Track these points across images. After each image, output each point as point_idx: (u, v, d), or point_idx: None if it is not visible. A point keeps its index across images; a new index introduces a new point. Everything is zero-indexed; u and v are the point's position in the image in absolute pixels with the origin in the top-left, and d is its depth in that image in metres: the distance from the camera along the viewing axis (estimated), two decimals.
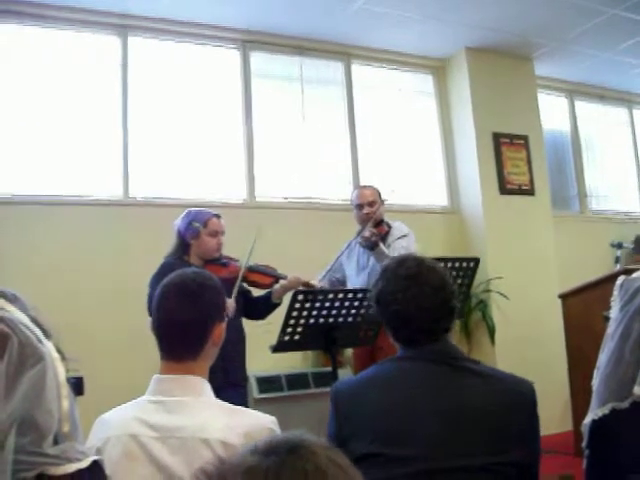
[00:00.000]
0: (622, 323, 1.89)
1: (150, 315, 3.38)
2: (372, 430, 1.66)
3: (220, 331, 1.76)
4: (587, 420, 1.91)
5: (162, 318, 1.73)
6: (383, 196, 4.44)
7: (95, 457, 1.29)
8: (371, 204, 4.33)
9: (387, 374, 1.80)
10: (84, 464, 1.23)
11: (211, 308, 1.75)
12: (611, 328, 1.95)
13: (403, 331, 1.81)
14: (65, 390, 1.26)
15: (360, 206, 4.36)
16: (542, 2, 5.53)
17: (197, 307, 1.71)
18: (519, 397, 1.73)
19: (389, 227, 4.36)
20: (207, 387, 1.69)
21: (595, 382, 1.96)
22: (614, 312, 1.96)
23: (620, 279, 2.00)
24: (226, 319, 1.80)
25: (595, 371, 2.01)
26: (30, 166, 4.96)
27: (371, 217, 4.25)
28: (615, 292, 1.99)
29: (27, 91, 5.04)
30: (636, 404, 1.80)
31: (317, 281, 4.12)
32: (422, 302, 1.77)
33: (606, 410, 1.82)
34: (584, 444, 1.95)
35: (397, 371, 1.79)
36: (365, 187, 4.53)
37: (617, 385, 1.83)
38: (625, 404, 1.80)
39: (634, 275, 2.00)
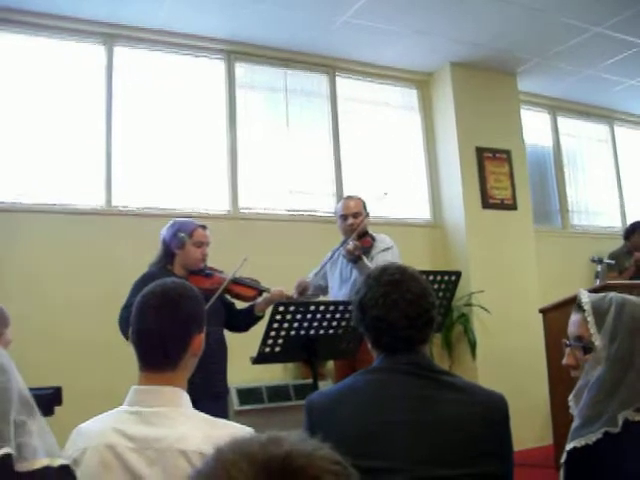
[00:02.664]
0: (616, 345, 1.86)
1: (122, 322, 3.39)
2: (346, 442, 1.64)
3: (199, 342, 1.75)
4: (573, 445, 1.86)
5: (141, 328, 1.71)
6: (373, 202, 4.43)
7: (64, 461, 1.28)
8: (355, 215, 4.31)
9: (363, 386, 1.79)
10: (54, 462, 1.23)
11: (190, 318, 1.74)
12: (600, 352, 1.89)
13: (383, 337, 1.82)
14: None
15: (344, 217, 4.34)
16: (527, 19, 5.59)
17: (176, 317, 1.70)
18: (491, 409, 1.74)
19: (373, 239, 4.33)
20: (185, 398, 1.68)
21: (577, 407, 1.92)
22: (600, 337, 1.90)
23: (586, 304, 1.95)
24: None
25: (572, 397, 1.97)
26: (11, 173, 4.93)
27: (355, 228, 4.23)
28: (589, 318, 1.94)
29: (9, 98, 5.02)
30: (628, 425, 1.78)
31: (310, 278, 4.14)
32: (403, 308, 1.79)
33: (599, 435, 1.80)
34: (564, 473, 1.90)
35: (373, 383, 1.79)
36: (350, 198, 4.48)
37: (613, 409, 1.81)
38: (618, 428, 1.78)
39: (591, 296, 1.97)
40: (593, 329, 1.90)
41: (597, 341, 1.89)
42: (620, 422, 1.78)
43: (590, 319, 1.91)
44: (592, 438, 1.79)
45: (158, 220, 4.10)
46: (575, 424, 1.88)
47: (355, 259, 4.09)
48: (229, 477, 0.71)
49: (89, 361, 4.66)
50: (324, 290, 4.50)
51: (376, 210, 4.49)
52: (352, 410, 1.73)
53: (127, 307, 3.38)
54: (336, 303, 3.55)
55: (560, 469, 1.89)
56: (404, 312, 1.79)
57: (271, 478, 0.70)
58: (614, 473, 1.78)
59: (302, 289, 4.03)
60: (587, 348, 1.93)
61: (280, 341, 3.41)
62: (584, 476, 1.84)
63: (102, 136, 5.26)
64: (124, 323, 3.36)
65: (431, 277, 3.71)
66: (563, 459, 1.86)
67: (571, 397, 1.97)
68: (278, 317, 3.35)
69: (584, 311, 1.94)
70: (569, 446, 1.84)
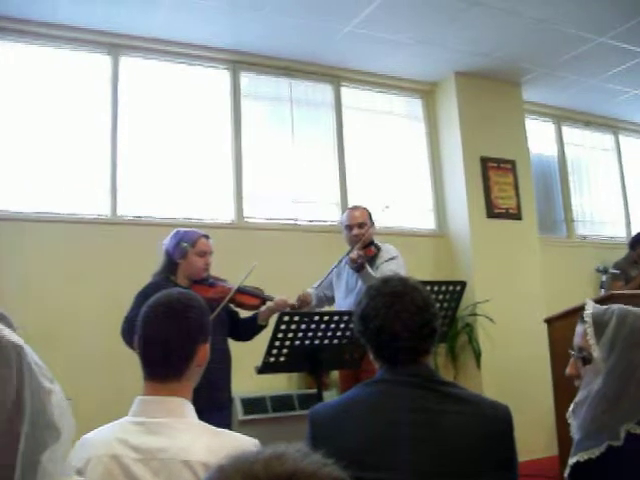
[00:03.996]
0: (615, 357, 1.85)
1: (125, 333, 3.40)
2: (349, 454, 1.61)
3: (204, 352, 1.75)
4: (576, 459, 1.85)
5: (146, 338, 1.72)
6: (375, 215, 4.44)
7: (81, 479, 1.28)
8: (360, 225, 4.31)
9: (366, 398, 1.79)
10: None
11: (195, 329, 1.74)
12: (599, 364, 1.88)
13: (385, 349, 1.81)
14: None
15: (349, 227, 4.34)
16: (531, 29, 5.60)
17: (181, 327, 1.71)
18: (495, 420, 1.74)
19: (378, 249, 4.33)
20: (190, 408, 1.68)
21: (577, 420, 1.91)
22: (598, 349, 1.89)
23: (587, 315, 1.95)
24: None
25: (570, 412, 1.95)
26: (17, 182, 4.94)
27: (360, 239, 4.24)
28: (589, 329, 1.93)
29: (15, 108, 5.04)
30: (631, 438, 1.77)
31: (311, 291, 4.13)
32: (405, 319, 1.78)
33: (603, 449, 1.79)
34: None
35: (376, 395, 1.78)
36: (355, 208, 4.49)
37: (614, 422, 1.80)
38: (620, 441, 1.77)
39: (594, 308, 1.96)
40: (592, 340, 1.90)
41: (595, 353, 1.88)
42: (622, 435, 1.77)
43: (590, 330, 1.91)
44: (595, 452, 1.78)
45: (163, 229, 4.10)
46: (577, 438, 1.88)
47: (358, 268, 4.09)
48: None
49: (93, 370, 4.65)
50: (330, 300, 4.49)
51: (381, 220, 4.49)
52: (355, 422, 1.73)
53: (129, 319, 3.39)
54: (340, 313, 3.55)
55: None
56: (406, 323, 1.78)
57: None
58: None
59: (302, 303, 4.01)
60: (586, 359, 1.93)
61: (285, 351, 3.41)
62: None
63: (107, 145, 5.27)
64: (126, 334, 3.38)
65: (436, 287, 3.70)
66: (567, 473, 1.86)
67: (569, 413, 1.96)
68: (283, 327, 3.35)
69: (586, 322, 1.94)
70: (572, 460, 1.84)
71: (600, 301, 2.04)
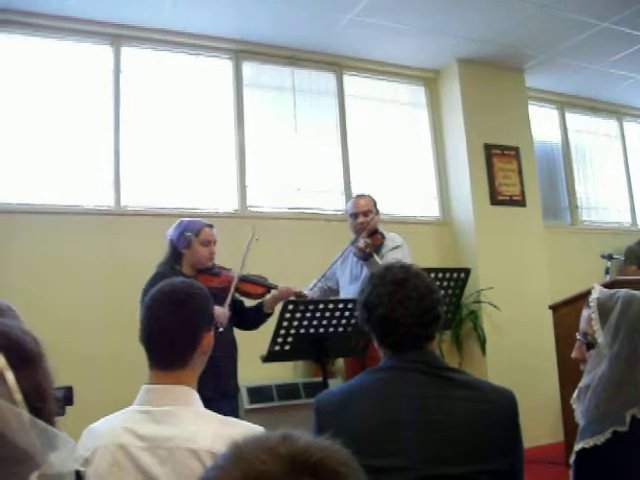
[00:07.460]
0: (619, 343, 1.84)
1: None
2: (355, 441, 1.63)
3: (209, 340, 1.75)
4: (582, 446, 1.84)
5: (150, 327, 1.72)
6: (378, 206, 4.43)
7: (79, 468, 1.27)
8: (366, 214, 4.30)
9: (371, 385, 1.79)
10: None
11: (199, 317, 1.74)
12: (603, 349, 1.87)
13: (389, 336, 1.81)
14: None
15: (355, 215, 4.34)
16: (534, 15, 5.56)
17: (185, 316, 1.71)
18: (500, 406, 1.74)
19: (383, 238, 4.32)
20: (196, 397, 1.68)
21: (582, 406, 1.90)
22: (603, 334, 1.89)
23: (592, 300, 1.95)
24: (220, 328, 1.79)
25: (576, 397, 1.95)
26: (20, 174, 4.94)
27: (365, 227, 4.23)
28: (594, 315, 1.93)
29: (18, 100, 5.03)
30: (637, 423, 1.77)
31: (307, 290, 4.10)
32: (409, 306, 1.78)
33: (608, 434, 1.78)
34: (574, 473, 1.88)
35: (381, 382, 1.79)
36: (361, 196, 4.48)
37: (619, 408, 1.79)
38: (626, 426, 1.76)
39: (600, 293, 1.96)
40: (597, 326, 1.89)
41: (600, 338, 1.88)
42: (628, 420, 1.77)
43: (594, 316, 1.90)
44: (601, 439, 1.78)
45: (167, 220, 4.10)
46: (582, 424, 1.87)
47: (366, 256, 4.08)
48: (255, 471, 0.71)
49: (99, 360, 4.66)
50: (334, 292, 4.48)
51: (385, 208, 4.49)
52: (360, 409, 1.73)
53: None
54: (345, 301, 3.54)
55: (570, 469, 1.88)
56: (410, 310, 1.78)
57: (294, 470, 0.71)
58: (624, 472, 1.77)
59: None
60: (591, 344, 1.93)
61: (290, 339, 3.42)
62: (594, 476, 1.83)
63: (111, 136, 5.27)
64: None
65: (440, 274, 3.70)
66: (572, 459, 1.86)
67: (573, 399, 1.96)
68: (288, 315, 3.35)
69: (591, 307, 1.93)
70: (577, 446, 1.83)
71: (604, 287, 2.01)
